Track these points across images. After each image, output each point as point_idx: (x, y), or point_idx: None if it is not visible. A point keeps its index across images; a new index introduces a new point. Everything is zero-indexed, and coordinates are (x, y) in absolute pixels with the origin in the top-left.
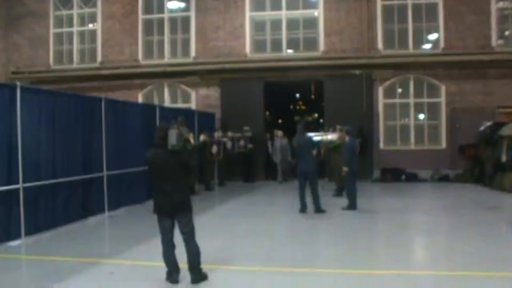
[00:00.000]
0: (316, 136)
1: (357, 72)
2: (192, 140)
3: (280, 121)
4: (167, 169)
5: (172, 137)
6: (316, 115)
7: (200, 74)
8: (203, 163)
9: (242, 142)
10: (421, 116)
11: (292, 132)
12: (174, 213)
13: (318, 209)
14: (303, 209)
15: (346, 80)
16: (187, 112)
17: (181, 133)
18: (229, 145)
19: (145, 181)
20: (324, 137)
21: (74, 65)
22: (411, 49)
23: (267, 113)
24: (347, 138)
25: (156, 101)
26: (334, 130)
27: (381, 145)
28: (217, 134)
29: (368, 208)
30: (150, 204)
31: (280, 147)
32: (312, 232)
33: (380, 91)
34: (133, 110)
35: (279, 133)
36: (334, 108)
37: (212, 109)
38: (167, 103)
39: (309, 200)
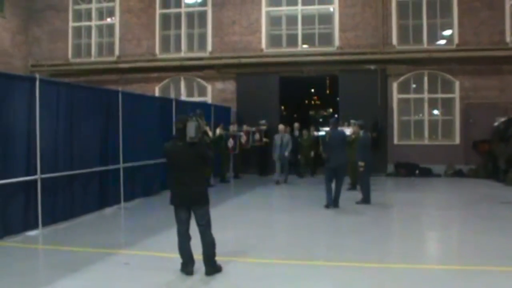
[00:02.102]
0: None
1: (372, 67)
2: (210, 133)
3: (295, 115)
4: (186, 160)
5: (191, 129)
6: (330, 110)
7: (216, 68)
8: (219, 155)
9: (257, 136)
10: (435, 111)
11: (307, 126)
12: (192, 204)
13: (336, 204)
14: (330, 204)
15: (361, 75)
16: (203, 106)
17: (200, 125)
18: (243, 139)
19: (160, 173)
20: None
21: (92, 59)
22: (425, 44)
23: (282, 107)
24: (361, 133)
25: (172, 95)
26: (348, 125)
27: (395, 140)
28: (233, 128)
29: (382, 202)
30: (164, 195)
31: (280, 142)
32: (327, 226)
33: (395, 86)
34: (149, 103)
35: (296, 125)
36: (349, 103)
37: (227, 103)
38: (184, 96)
39: (321, 194)
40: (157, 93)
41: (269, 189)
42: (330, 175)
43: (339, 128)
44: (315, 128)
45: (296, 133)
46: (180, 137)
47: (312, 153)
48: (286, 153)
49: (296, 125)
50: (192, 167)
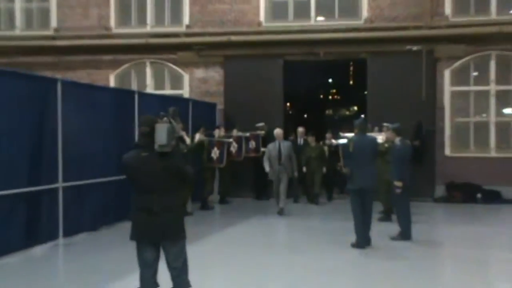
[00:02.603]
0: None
1: (415, 48)
2: (187, 139)
3: (305, 115)
4: (153, 178)
5: (161, 134)
6: (355, 108)
7: (196, 49)
8: (199, 171)
9: (253, 144)
10: (507, 111)
11: (321, 131)
12: (162, 239)
13: (367, 242)
14: (362, 242)
15: (398, 60)
16: (178, 102)
17: (173, 128)
18: (233, 148)
19: (117, 196)
20: None
21: (17, 32)
22: (493, 14)
23: (288, 104)
24: (396, 140)
25: (134, 86)
26: (380, 129)
27: (447, 151)
28: (219, 133)
29: (427, 239)
30: (123, 227)
31: (276, 153)
32: (351, 273)
33: (447, 74)
34: (101, 97)
35: (300, 129)
36: (381, 98)
37: (212, 97)
38: (150, 88)
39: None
40: (112, 84)
41: (269, 219)
42: (355, 200)
43: (368, 134)
44: (332, 134)
45: (300, 141)
46: (145, 145)
47: (324, 169)
48: (296, 173)
49: (300, 130)
50: (163, 187)
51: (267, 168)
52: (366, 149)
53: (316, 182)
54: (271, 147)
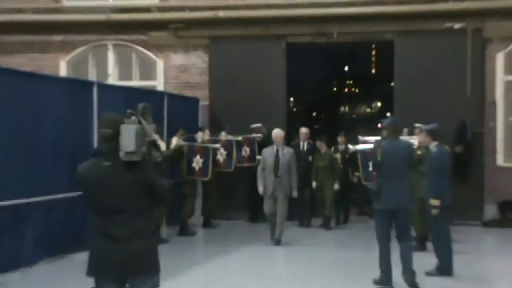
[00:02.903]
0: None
1: (457, 25)
2: (162, 145)
3: (314, 113)
4: (118, 195)
5: (129, 138)
6: (378, 103)
7: (174, 28)
8: (176, 186)
9: (246, 150)
10: None
11: (334, 134)
12: (128, 273)
13: (413, 284)
14: (386, 280)
15: (435, 41)
16: (150, 96)
17: (144, 131)
18: (222, 155)
19: (68, 218)
20: None
21: None
22: None
23: (291, 99)
24: (432, 146)
25: (92, 75)
26: (411, 132)
27: (500, 160)
28: (202, 136)
29: (473, 275)
30: (78, 259)
31: (273, 162)
32: None
33: (499, 60)
34: (48, 90)
35: (303, 130)
36: (412, 91)
37: (194, 90)
38: (114, 78)
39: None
40: (63, 72)
41: (266, 247)
42: (384, 223)
43: (401, 138)
44: (346, 138)
45: (303, 146)
46: (108, 152)
47: (337, 185)
48: (294, 192)
49: (304, 131)
50: (130, 207)
51: (260, 186)
52: (399, 157)
53: (326, 201)
54: (267, 153)
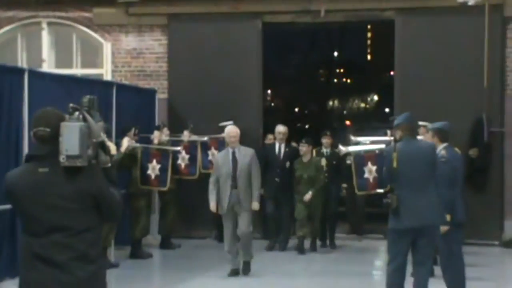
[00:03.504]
0: (375, 142)
1: (472, 1)
2: (112, 147)
3: (296, 109)
4: (57, 209)
5: (71, 138)
6: (375, 97)
7: (124, 3)
8: (127, 198)
9: (214, 154)
10: None
11: (319, 134)
12: None
13: None
14: None
15: (444, 21)
16: (95, 87)
17: (91, 129)
18: (184, 159)
19: None
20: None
21: None
22: None
23: (269, 91)
24: (441, 149)
25: (23, 61)
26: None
27: None
28: (159, 136)
29: None
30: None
31: (229, 169)
32: None
33: None
34: None
35: (280, 129)
36: (417, 82)
37: (149, 80)
38: (50, 65)
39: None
40: None
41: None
42: (402, 246)
43: (419, 138)
44: (331, 138)
45: (279, 148)
46: (44, 156)
47: (310, 193)
48: (255, 204)
49: (281, 129)
50: (72, 223)
51: (212, 201)
52: (420, 162)
53: (315, 219)
54: (221, 158)
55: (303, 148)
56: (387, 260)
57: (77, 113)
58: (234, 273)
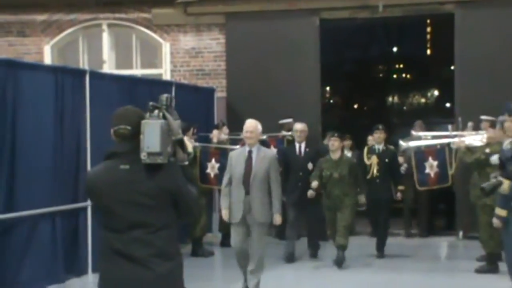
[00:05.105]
0: (436, 138)
1: None
2: (189, 145)
3: (355, 105)
4: (139, 205)
5: (153, 135)
6: (435, 92)
7: (182, 3)
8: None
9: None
10: None
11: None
12: None
13: None
14: None
15: (505, 13)
16: (154, 86)
17: (170, 127)
18: None
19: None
20: (457, 140)
21: None
22: None
23: (328, 88)
24: (507, 143)
25: (84, 62)
26: (476, 126)
27: None
28: (219, 135)
29: None
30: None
31: (242, 170)
32: None
33: None
34: (31, 80)
35: (298, 126)
36: (477, 75)
37: (207, 79)
38: (109, 66)
39: None
40: (47, 59)
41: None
42: None
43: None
44: (386, 134)
45: (300, 148)
46: (125, 153)
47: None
48: (277, 217)
49: (299, 127)
50: (153, 220)
51: (224, 209)
52: None
53: (340, 226)
54: (235, 158)
55: (335, 142)
56: None
57: (156, 111)
58: None
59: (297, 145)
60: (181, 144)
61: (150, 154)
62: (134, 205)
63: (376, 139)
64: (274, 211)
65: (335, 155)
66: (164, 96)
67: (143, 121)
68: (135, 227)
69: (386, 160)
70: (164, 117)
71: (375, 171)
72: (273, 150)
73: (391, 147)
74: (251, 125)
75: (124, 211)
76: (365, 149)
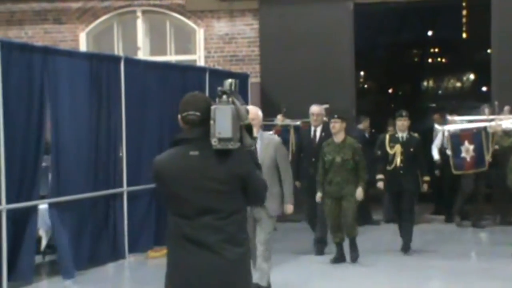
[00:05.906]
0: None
1: None
2: (255, 129)
3: (390, 90)
4: (208, 191)
5: (224, 121)
6: (471, 76)
7: None
8: None
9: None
10: None
11: (416, 114)
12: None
13: None
14: None
15: None
16: (188, 73)
17: (239, 113)
18: None
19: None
20: (494, 124)
21: None
22: None
23: (362, 73)
24: None
25: (119, 49)
26: None
27: None
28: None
29: None
30: None
31: (271, 158)
32: None
33: None
34: (67, 67)
35: (314, 109)
36: None
37: (241, 65)
38: (144, 52)
39: None
40: (83, 46)
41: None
42: None
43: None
44: (409, 121)
45: (315, 132)
46: (195, 139)
47: (360, 192)
48: (289, 206)
49: (315, 110)
50: (222, 206)
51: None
52: None
53: (347, 217)
54: (264, 142)
55: (336, 124)
56: None
57: (225, 96)
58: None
59: (312, 128)
60: (249, 129)
61: (221, 139)
62: (204, 191)
63: (399, 127)
64: (285, 201)
65: (338, 138)
66: (228, 81)
67: (213, 107)
68: (205, 213)
69: (411, 149)
70: (234, 103)
71: (398, 161)
72: (276, 137)
73: (415, 134)
74: (252, 112)
75: (194, 197)
76: (387, 137)
